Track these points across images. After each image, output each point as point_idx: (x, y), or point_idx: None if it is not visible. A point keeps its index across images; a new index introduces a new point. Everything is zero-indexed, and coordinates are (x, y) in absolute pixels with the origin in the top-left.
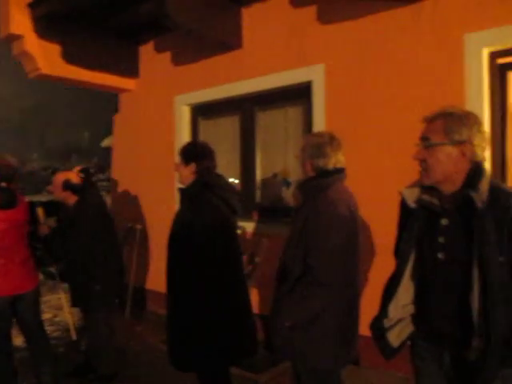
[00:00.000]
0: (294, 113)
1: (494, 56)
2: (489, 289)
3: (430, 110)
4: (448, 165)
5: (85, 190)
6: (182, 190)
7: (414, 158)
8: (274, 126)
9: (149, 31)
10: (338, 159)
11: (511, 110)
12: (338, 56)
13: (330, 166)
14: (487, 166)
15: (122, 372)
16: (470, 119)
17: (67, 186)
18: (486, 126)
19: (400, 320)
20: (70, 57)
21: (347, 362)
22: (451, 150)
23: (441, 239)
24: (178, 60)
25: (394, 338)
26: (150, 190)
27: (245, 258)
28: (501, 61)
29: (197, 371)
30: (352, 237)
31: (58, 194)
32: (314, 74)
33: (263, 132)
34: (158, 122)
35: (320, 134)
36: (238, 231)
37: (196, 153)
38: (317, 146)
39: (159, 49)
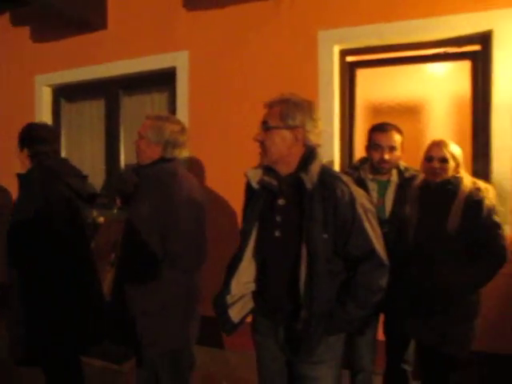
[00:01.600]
0: (159, 99)
1: (344, 54)
2: (313, 263)
3: None
4: (283, 147)
5: None
6: (19, 176)
7: (254, 140)
8: (140, 111)
9: (4, 1)
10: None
11: (359, 105)
12: (202, 43)
13: (182, 155)
14: (336, 155)
15: None
16: (304, 106)
17: None
18: (336, 119)
19: (242, 297)
20: None
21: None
22: (285, 134)
23: (278, 218)
24: (39, 36)
25: (235, 313)
26: (6, 178)
27: (107, 245)
28: (350, 59)
29: (44, 364)
30: (204, 222)
31: None
32: (179, 61)
33: (129, 117)
34: (15, 102)
35: (176, 121)
36: (100, 218)
37: (29, 137)
38: (176, 133)
39: (17, 22)
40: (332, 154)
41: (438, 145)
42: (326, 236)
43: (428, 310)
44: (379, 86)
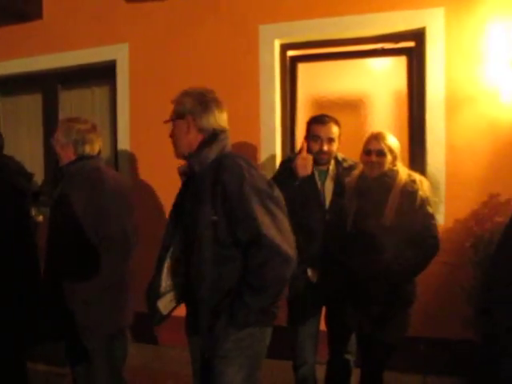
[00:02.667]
0: (99, 93)
1: (285, 48)
2: (200, 247)
3: (227, 96)
4: (181, 136)
5: None
6: None
7: (169, 137)
8: (80, 106)
9: None
10: (99, 145)
11: (301, 99)
12: (143, 36)
13: (95, 152)
14: (278, 149)
15: None
16: (193, 94)
17: None
18: (278, 113)
19: (172, 289)
20: None
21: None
22: (180, 123)
23: (188, 205)
24: None
25: (164, 305)
26: None
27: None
28: (291, 53)
29: None
30: (132, 208)
31: None
32: (118, 54)
33: (68, 112)
34: None
35: (84, 121)
36: (39, 217)
37: None
38: (83, 131)
39: None
40: (274, 148)
41: (376, 138)
42: (215, 218)
43: (366, 299)
44: (320, 80)
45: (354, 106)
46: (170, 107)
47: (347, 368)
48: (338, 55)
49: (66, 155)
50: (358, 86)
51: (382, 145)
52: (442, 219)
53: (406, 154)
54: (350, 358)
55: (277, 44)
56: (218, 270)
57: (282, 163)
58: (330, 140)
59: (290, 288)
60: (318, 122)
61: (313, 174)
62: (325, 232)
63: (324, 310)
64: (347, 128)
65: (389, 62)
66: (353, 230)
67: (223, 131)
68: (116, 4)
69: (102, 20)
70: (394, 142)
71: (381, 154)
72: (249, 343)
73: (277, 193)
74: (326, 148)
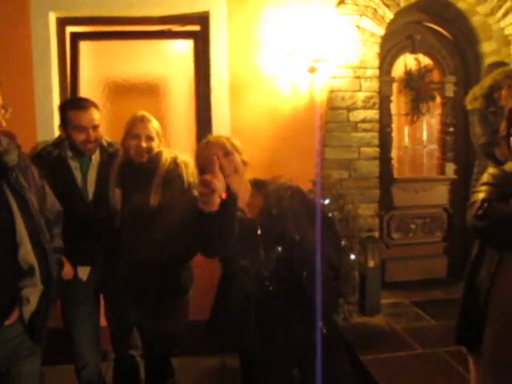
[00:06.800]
0: None
1: (63, 23)
2: None
3: None
4: None
5: None
6: None
7: None
8: None
9: None
10: None
11: (84, 79)
12: None
13: None
14: (56, 133)
15: None
16: None
17: None
18: (55, 92)
19: None
20: None
21: None
22: None
23: None
24: None
25: None
26: None
27: None
28: (72, 29)
29: None
30: None
31: None
32: None
33: None
34: None
35: None
36: None
37: None
38: None
39: None
40: (52, 132)
41: (143, 121)
42: None
43: (141, 291)
44: (106, 61)
45: (142, 89)
46: None
47: (133, 364)
48: (124, 35)
49: None
50: (147, 68)
51: (151, 128)
52: None
53: (194, 137)
54: (135, 353)
55: (52, 17)
56: None
57: (38, 155)
58: (95, 127)
59: (60, 287)
60: (77, 108)
61: (68, 169)
62: (93, 227)
63: (103, 306)
64: (134, 112)
65: (177, 44)
66: (122, 219)
67: None
68: None
69: None
70: (157, 124)
71: (151, 138)
72: None
73: None
74: (92, 137)
